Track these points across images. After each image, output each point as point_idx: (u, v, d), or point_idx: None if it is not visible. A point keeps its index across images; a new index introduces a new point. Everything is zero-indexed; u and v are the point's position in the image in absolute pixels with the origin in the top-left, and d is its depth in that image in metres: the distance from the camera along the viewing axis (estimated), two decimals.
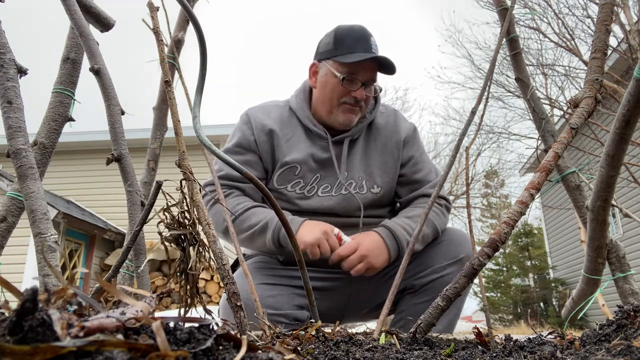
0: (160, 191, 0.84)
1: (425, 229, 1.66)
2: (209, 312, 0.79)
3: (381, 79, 1.60)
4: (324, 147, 1.75)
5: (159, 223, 0.84)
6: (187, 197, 0.84)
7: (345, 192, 1.74)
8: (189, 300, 0.86)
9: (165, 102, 1.76)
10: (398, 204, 1.90)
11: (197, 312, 0.83)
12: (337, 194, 1.74)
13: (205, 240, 0.85)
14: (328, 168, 1.74)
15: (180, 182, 0.84)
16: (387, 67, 1.66)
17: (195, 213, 0.83)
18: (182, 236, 0.86)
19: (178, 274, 0.86)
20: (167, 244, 0.86)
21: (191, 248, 0.86)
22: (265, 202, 1.75)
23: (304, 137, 1.76)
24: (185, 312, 0.85)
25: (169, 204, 0.83)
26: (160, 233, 0.84)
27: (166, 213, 0.83)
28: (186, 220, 0.85)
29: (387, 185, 1.79)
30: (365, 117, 1.81)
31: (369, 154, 1.80)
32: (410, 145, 1.85)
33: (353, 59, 1.62)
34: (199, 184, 0.84)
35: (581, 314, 1.42)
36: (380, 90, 1.75)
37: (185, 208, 0.84)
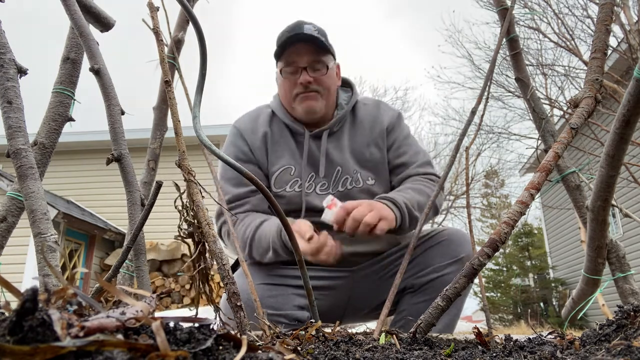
0: (162, 191, 0.84)
1: (419, 197, 1.64)
2: (218, 308, 0.79)
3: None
4: (309, 144, 1.76)
5: (180, 223, 0.84)
6: (188, 197, 0.84)
7: (342, 189, 1.74)
8: (203, 298, 0.86)
9: (165, 102, 1.76)
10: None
11: (218, 308, 0.83)
12: (335, 192, 1.74)
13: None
14: (315, 164, 1.75)
15: (187, 182, 0.84)
16: (313, 41, 1.64)
17: (195, 213, 0.83)
18: (196, 235, 0.86)
19: (183, 273, 0.86)
20: (182, 243, 0.86)
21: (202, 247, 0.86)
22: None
23: (290, 137, 1.77)
24: (197, 311, 0.85)
25: (183, 202, 0.83)
26: (179, 227, 0.84)
27: (183, 210, 0.83)
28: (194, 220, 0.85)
29: (380, 178, 1.79)
30: (343, 107, 1.80)
31: (356, 147, 1.78)
32: (393, 131, 1.83)
33: (279, 50, 1.64)
34: (200, 184, 0.84)
35: (581, 314, 1.42)
36: (328, 68, 1.70)
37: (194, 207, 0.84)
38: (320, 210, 1.74)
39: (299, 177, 1.73)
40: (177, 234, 0.84)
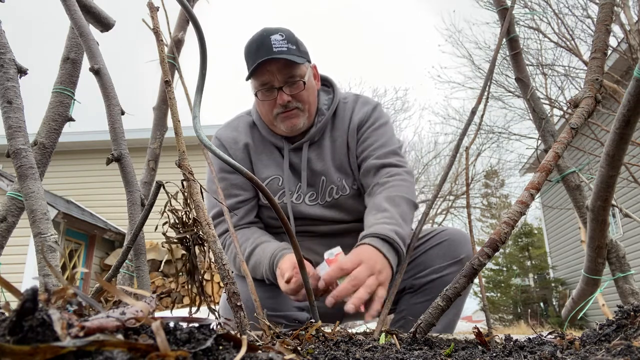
0: (162, 191, 0.84)
1: (398, 209, 1.48)
2: (213, 311, 0.79)
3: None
4: (290, 156, 1.70)
5: (164, 224, 0.84)
6: (188, 197, 0.84)
7: (329, 199, 1.71)
8: (195, 299, 0.86)
9: (165, 102, 1.76)
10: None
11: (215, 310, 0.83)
12: (324, 202, 1.71)
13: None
14: (298, 176, 1.70)
15: (182, 182, 0.84)
16: (287, 59, 1.53)
17: (195, 213, 0.83)
18: (187, 236, 0.86)
19: (182, 274, 0.86)
20: (172, 245, 0.86)
21: (196, 248, 0.86)
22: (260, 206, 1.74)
23: (273, 148, 1.73)
24: (191, 312, 0.85)
25: (172, 205, 0.83)
26: (164, 234, 0.84)
27: (170, 213, 0.83)
28: (189, 221, 0.85)
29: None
30: (324, 113, 1.71)
31: (337, 154, 1.72)
32: (363, 126, 1.71)
33: (249, 73, 1.55)
34: (200, 185, 0.84)
35: (581, 314, 1.42)
36: (304, 83, 1.60)
37: (187, 209, 0.84)
38: (311, 218, 1.70)
39: (287, 188, 1.69)
40: (166, 237, 0.84)
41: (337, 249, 1.37)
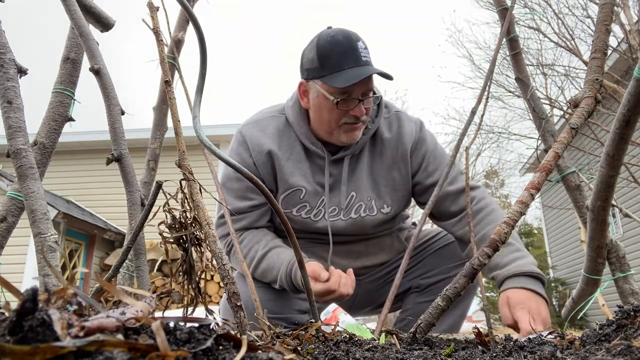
0: (161, 191, 0.84)
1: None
2: (210, 312, 0.79)
3: (379, 78, 1.52)
4: (323, 167, 1.63)
5: (159, 224, 0.84)
6: (187, 197, 0.84)
7: (355, 216, 1.64)
8: (192, 300, 0.86)
9: (165, 102, 1.76)
10: (425, 208, 1.80)
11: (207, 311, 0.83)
12: (347, 218, 1.64)
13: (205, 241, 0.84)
14: (333, 190, 1.63)
15: (180, 182, 0.84)
16: (383, 75, 1.48)
17: (195, 213, 0.83)
18: (184, 236, 0.86)
19: (180, 274, 0.86)
20: (167, 245, 0.86)
21: (193, 248, 0.86)
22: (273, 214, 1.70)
23: (303, 156, 1.62)
24: (189, 312, 0.85)
25: (169, 204, 0.83)
26: (161, 234, 0.84)
27: (167, 213, 0.83)
28: (187, 221, 0.85)
29: (396, 204, 1.67)
30: (368, 127, 1.62)
31: (376, 171, 1.64)
32: (417, 150, 1.66)
33: (344, 83, 1.41)
34: (200, 184, 0.84)
35: (581, 314, 1.42)
36: (381, 97, 1.58)
37: (187, 208, 0.84)
38: (325, 233, 1.64)
39: (307, 202, 1.62)
40: (162, 238, 0.84)
41: (333, 306, 1.37)
